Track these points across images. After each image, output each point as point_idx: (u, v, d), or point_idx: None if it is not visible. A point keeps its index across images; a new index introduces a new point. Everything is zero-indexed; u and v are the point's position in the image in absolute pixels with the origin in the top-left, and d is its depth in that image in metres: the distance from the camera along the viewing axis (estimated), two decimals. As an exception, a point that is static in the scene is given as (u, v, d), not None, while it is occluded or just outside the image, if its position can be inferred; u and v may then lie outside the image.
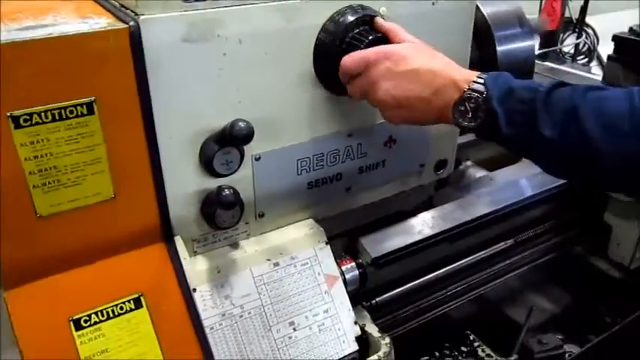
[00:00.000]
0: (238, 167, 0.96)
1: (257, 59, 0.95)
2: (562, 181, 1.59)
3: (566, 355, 1.66)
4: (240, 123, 0.88)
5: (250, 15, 0.92)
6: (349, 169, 1.15)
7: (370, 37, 0.96)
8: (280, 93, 1.00)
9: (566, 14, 2.38)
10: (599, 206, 1.74)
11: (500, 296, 1.97)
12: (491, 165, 1.90)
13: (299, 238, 1.10)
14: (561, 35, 2.49)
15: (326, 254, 1.11)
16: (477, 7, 1.32)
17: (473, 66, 1.33)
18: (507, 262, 1.63)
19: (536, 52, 2.36)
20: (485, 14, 1.32)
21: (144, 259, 0.96)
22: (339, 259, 1.15)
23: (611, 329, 1.84)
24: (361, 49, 0.95)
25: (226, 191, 0.93)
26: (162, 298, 0.94)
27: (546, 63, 2.28)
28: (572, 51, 2.51)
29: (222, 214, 0.97)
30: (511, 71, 1.35)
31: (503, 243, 1.58)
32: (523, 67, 1.37)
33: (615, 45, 1.68)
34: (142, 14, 0.82)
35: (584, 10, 2.32)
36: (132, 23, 0.82)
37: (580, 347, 1.77)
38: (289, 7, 0.94)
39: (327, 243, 1.12)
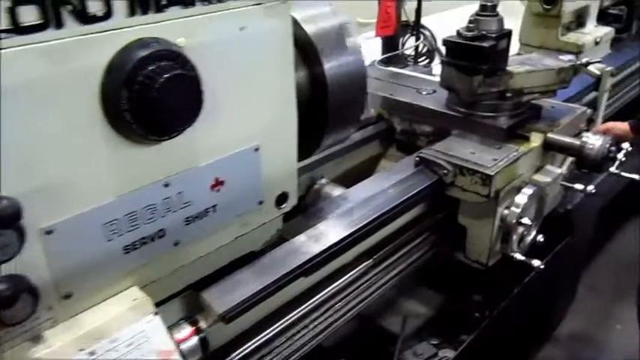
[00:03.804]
0: (19, 250, 0.78)
1: (29, 114, 0.77)
2: (416, 191, 1.56)
3: (442, 360, 1.66)
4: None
5: (10, 62, 0.74)
6: (173, 222, 1.00)
7: (166, 76, 0.82)
8: (68, 149, 0.83)
9: (404, 17, 2.41)
10: (453, 209, 1.75)
11: (373, 312, 1.93)
12: (347, 180, 1.85)
13: (121, 314, 0.93)
14: (402, 38, 2.53)
15: (156, 327, 0.95)
16: (300, 26, 1.23)
17: (301, 85, 1.25)
18: (371, 280, 1.57)
19: (379, 57, 2.37)
20: (309, 32, 1.23)
21: None
22: (174, 327, 1.00)
23: (480, 325, 1.87)
24: (155, 89, 0.81)
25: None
26: None
27: (389, 68, 2.29)
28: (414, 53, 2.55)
29: (4, 313, 0.77)
30: (342, 86, 1.31)
31: (363, 266, 1.52)
32: (354, 80, 1.30)
33: (446, 49, 1.70)
34: None
35: (418, 13, 2.35)
36: None
37: (454, 350, 1.78)
38: (57, 49, 0.77)
39: (156, 313, 0.96)
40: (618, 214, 3.27)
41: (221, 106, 0.99)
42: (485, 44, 1.59)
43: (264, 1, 1.00)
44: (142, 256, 0.98)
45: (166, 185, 0.97)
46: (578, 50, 2.43)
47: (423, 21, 2.58)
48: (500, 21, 1.64)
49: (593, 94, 2.42)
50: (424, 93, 1.99)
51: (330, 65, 1.25)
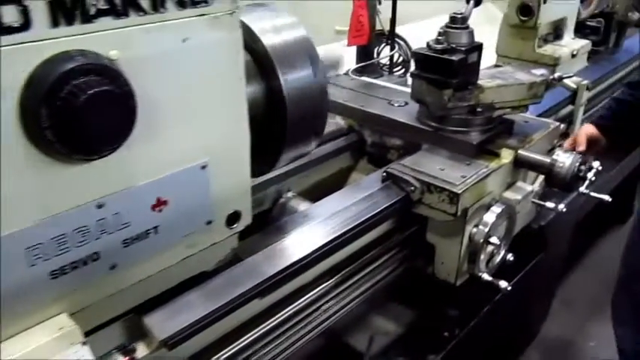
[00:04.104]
0: None
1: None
2: (381, 208, 1.51)
3: (408, 383, 1.60)
4: None
5: None
6: (109, 244, 0.94)
7: (91, 92, 0.76)
8: (-15, 169, 0.76)
9: (379, 26, 2.37)
10: (423, 225, 1.70)
11: (339, 328, 1.87)
12: (319, 192, 1.79)
13: (45, 344, 0.87)
14: (377, 48, 2.48)
15: (83, 358, 0.88)
16: (257, 38, 1.18)
17: (258, 99, 1.19)
18: (333, 301, 1.51)
19: (354, 66, 2.32)
20: (266, 44, 1.18)
21: None
22: (105, 357, 0.93)
23: (449, 345, 1.83)
24: (78, 106, 0.75)
25: None
26: None
27: (363, 78, 2.24)
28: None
29: None
30: (301, 100, 1.25)
31: (325, 285, 1.46)
32: (314, 94, 1.25)
33: (415, 62, 1.65)
34: None
35: (393, 22, 2.31)
36: None
37: (421, 371, 1.73)
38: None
39: (84, 343, 0.89)
40: (594, 229, 3.25)
41: (162, 122, 0.94)
42: (455, 58, 1.54)
43: (210, 12, 0.94)
44: (72, 282, 0.91)
45: (100, 206, 0.90)
46: (554, 63, 2.40)
47: (400, 30, 2.54)
48: (471, 34, 1.60)
49: (569, 108, 2.39)
50: (396, 105, 1.94)
51: (288, 78, 1.19)
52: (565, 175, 1.55)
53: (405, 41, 2.45)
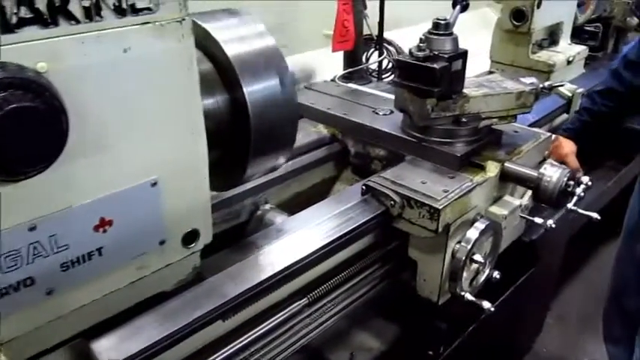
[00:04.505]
0: None
1: None
2: (358, 224, 1.44)
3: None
4: None
5: None
6: (44, 269, 0.87)
7: (7, 108, 0.69)
8: None
9: (367, 31, 2.30)
10: (405, 240, 1.62)
11: (319, 344, 1.80)
12: (302, 202, 1.72)
13: (-30, 379, 0.80)
14: (366, 53, 2.41)
15: (12, 394, 0.82)
16: (220, 47, 1.12)
17: (221, 111, 1.13)
18: (306, 321, 1.43)
19: (341, 72, 2.25)
20: (229, 54, 1.11)
21: None
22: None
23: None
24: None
25: None
26: None
27: (350, 84, 2.17)
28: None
29: None
30: (266, 112, 1.18)
31: (296, 304, 1.38)
32: (281, 106, 1.18)
33: (397, 69, 1.57)
34: None
35: (380, 27, 2.23)
36: None
37: (404, 392, 1.66)
38: None
39: (14, 377, 0.83)
40: (589, 243, 3.15)
41: (103, 138, 0.87)
42: (437, 66, 1.46)
43: (155, 20, 0.87)
44: (3, 308, 0.84)
45: (32, 229, 0.84)
46: (549, 69, 2.31)
47: (393, 35, 2.47)
48: (455, 40, 1.52)
49: (564, 116, 2.31)
50: (381, 113, 1.87)
51: (251, 89, 1.13)
52: (552, 190, 1.47)
53: (395, 46, 2.37)
